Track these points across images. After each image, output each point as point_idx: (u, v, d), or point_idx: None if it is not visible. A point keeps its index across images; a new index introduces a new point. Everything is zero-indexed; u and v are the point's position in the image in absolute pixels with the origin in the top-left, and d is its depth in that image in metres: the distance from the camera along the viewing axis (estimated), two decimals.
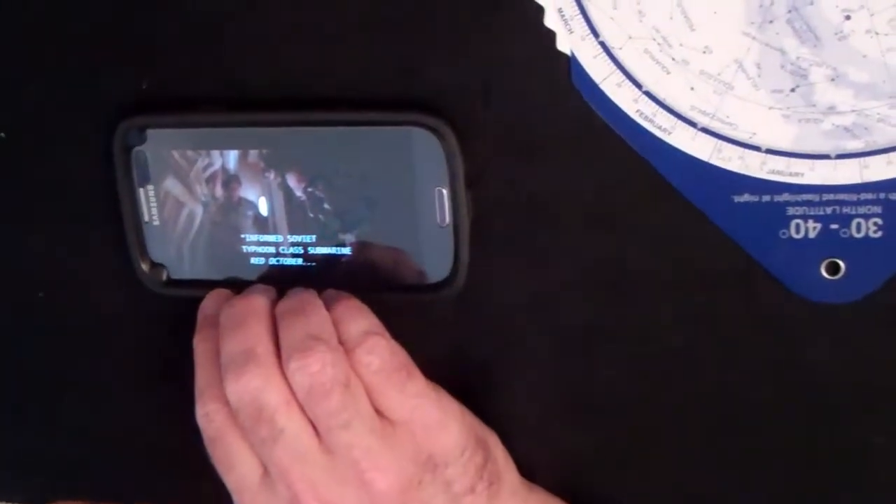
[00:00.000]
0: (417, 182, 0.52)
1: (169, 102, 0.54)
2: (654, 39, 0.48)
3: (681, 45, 0.48)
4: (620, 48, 0.49)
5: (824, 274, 0.50)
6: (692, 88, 0.49)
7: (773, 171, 0.49)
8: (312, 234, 0.54)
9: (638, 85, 0.49)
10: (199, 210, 0.55)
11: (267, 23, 0.52)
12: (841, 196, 0.49)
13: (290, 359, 0.50)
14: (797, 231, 0.50)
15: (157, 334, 0.58)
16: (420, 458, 0.51)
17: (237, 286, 0.55)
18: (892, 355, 0.51)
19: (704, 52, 0.48)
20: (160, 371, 0.59)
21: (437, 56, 0.51)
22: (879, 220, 0.49)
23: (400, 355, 0.52)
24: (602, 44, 0.49)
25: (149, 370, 0.59)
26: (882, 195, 0.49)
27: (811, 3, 0.46)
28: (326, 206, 0.54)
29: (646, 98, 0.49)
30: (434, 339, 0.54)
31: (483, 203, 0.52)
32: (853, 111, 0.48)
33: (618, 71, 0.49)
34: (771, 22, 0.47)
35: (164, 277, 0.57)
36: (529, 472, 0.56)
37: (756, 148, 0.49)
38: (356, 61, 0.52)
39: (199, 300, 0.55)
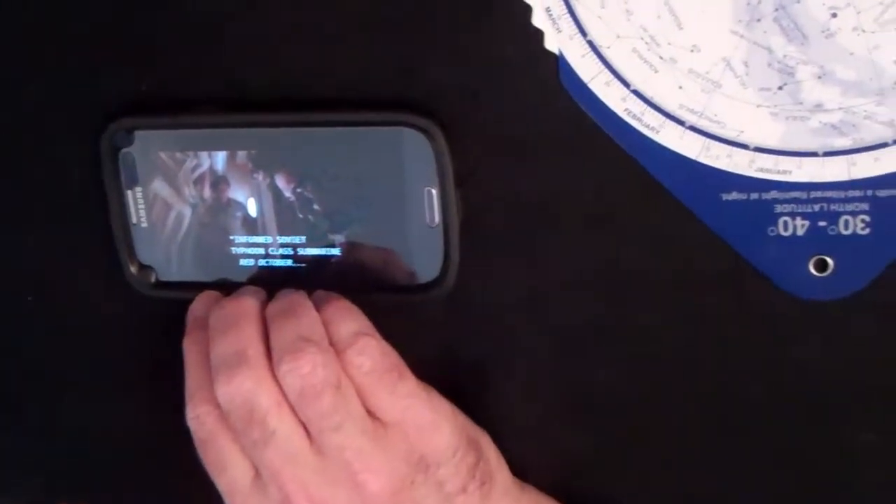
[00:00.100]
0: (407, 182, 0.52)
1: (157, 104, 0.54)
2: (642, 38, 0.48)
3: (668, 43, 0.48)
4: (608, 47, 0.49)
5: (813, 271, 0.50)
6: (680, 87, 0.49)
7: (761, 169, 0.49)
8: (302, 235, 0.54)
9: (626, 84, 0.49)
10: (187, 212, 0.55)
11: (258, 25, 0.52)
12: (829, 193, 0.49)
13: (280, 361, 0.50)
14: (785, 228, 0.50)
15: (147, 337, 0.58)
16: (412, 459, 0.51)
17: (227, 288, 0.55)
18: (881, 352, 0.51)
19: (692, 51, 0.48)
20: (150, 374, 0.58)
21: (426, 57, 0.51)
22: (867, 217, 0.49)
23: (391, 356, 0.52)
24: (590, 43, 0.49)
25: (138, 373, 0.59)
26: (870, 192, 0.49)
27: (798, 2, 0.46)
28: (316, 206, 0.53)
29: (634, 97, 0.50)
30: (425, 340, 0.54)
31: (473, 203, 0.52)
32: (840, 109, 0.48)
33: (606, 70, 0.49)
34: (758, 20, 0.47)
35: (153, 280, 0.57)
36: (521, 471, 0.56)
37: (744, 146, 0.49)
38: (346, 62, 0.52)
39: (188, 302, 0.55)
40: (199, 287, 0.55)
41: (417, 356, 0.53)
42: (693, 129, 0.49)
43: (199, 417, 0.52)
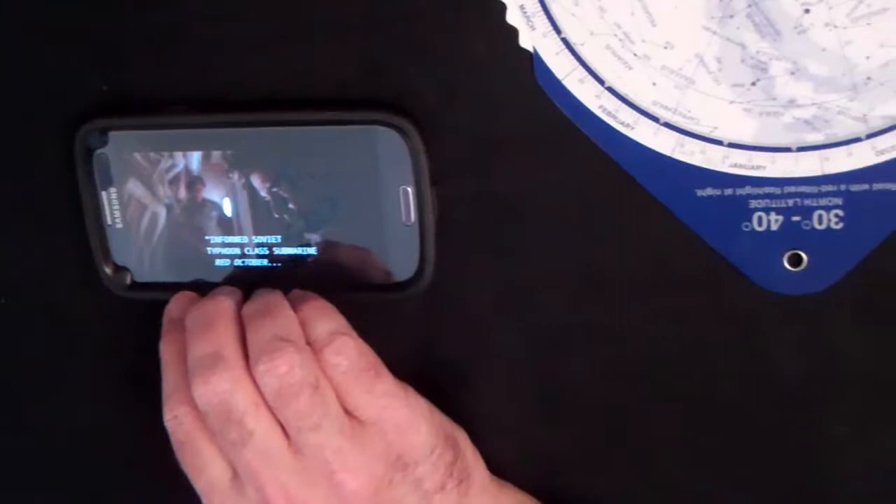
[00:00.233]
0: (382, 181, 0.52)
1: (130, 104, 0.54)
2: (616, 35, 0.49)
3: (642, 40, 0.48)
4: (582, 44, 0.49)
5: (787, 266, 0.51)
6: (654, 84, 0.49)
7: (735, 165, 0.50)
8: (277, 234, 0.54)
9: (600, 81, 0.50)
10: (162, 212, 0.55)
11: (230, 24, 0.52)
12: (802, 188, 0.50)
13: (258, 361, 0.50)
14: (760, 224, 0.50)
15: (122, 338, 0.58)
16: (390, 458, 0.51)
17: (203, 288, 0.55)
18: (854, 345, 0.51)
19: (666, 48, 0.48)
20: (126, 375, 0.58)
21: (401, 55, 0.51)
22: (840, 212, 0.49)
23: (368, 355, 0.52)
24: (564, 40, 0.49)
25: (114, 375, 0.59)
26: (843, 187, 0.49)
27: None
28: (291, 206, 0.53)
29: (608, 94, 0.50)
30: (402, 338, 0.55)
31: (448, 201, 0.53)
32: (813, 104, 0.48)
33: (580, 67, 0.50)
34: (731, 16, 0.47)
35: (128, 281, 0.56)
36: (499, 469, 0.56)
37: (718, 142, 0.49)
38: (319, 61, 0.52)
39: (164, 303, 0.55)
40: (174, 288, 0.55)
41: (394, 355, 0.53)
42: (667, 125, 0.50)
43: (176, 418, 0.51)
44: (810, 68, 0.47)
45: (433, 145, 0.52)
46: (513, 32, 0.50)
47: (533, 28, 0.49)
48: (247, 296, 0.53)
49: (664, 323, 0.53)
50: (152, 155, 0.54)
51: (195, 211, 0.55)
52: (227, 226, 0.54)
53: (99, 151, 0.54)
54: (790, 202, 0.50)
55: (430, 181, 0.52)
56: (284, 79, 0.52)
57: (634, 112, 0.50)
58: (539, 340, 0.54)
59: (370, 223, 0.53)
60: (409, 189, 0.52)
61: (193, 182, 0.54)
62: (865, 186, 0.49)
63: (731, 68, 0.48)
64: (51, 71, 0.54)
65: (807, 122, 0.48)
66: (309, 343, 0.51)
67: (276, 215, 0.54)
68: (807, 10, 0.47)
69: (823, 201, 0.49)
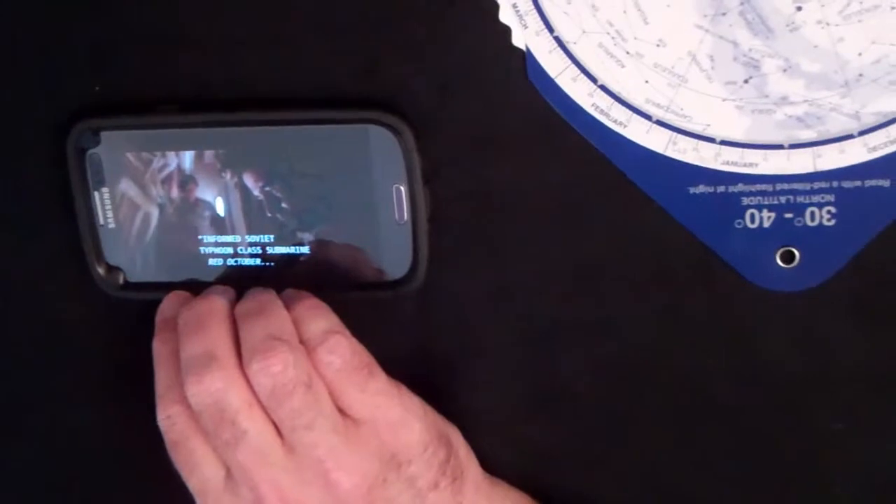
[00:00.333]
0: (375, 179, 0.52)
1: (123, 104, 0.54)
2: (609, 33, 0.49)
3: (635, 38, 0.49)
4: (575, 43, 0.49)
5: (780, 263, 0.51)
6: (646, 81, 0.49)
7: (727, 162, 0.50)
8: (270, 233, 0.54)
9: (593, 79, 0.50)
10: (155, 212, 0.55)
11: (222, 24, 0.52)
12: (794, 185, 0.50)
13: (251, 360, 0.49)
14: (752, 221, 0.50)
15: (115, 338, 0.58)
16: (384, 456, 0.51)
17: (195, 288, 0.54)
18: (848, 341, 0.52)
19: (658, 46, 0.48)
20: (119, 375, 0.58)
21: (393, 54, 0.51)
22: (833, 209, 0.50)
23: (361, 354, 0.52)
24: (557, 38, 0.49)
25: (107, 375, 0.59)
26: (835, 183, 0.49)
27: None
28: (284, 205, 0.53)
29: (601, 92, 0.50)
30: (395, 336, 0.55)
31: (441, 199, 0.53)
32: (805, 101, 0.48)
33: (573, 65, 0.50)
34: (723, 14, 0.47)
35: (121, 281, 0.56)
36: (492, 466, 0.56)
37: (710, 139, 0.50)
38: (313, 60, 0.52)
39: (157, 303, 0.55)
40: (167, 287, 0.55)
41: (387, 353, 0.52)
42: (660, 123, 0.50)
43: (169, 418, 0.51)
44: (802, 65, 0.48)
45: (426, 144, 0.52)
46: (505, 31, 0.50)
47: (525, 26, 0.49)
48: (240, 295, 0.53)
49: (657, 320, 0.53)
50: (145, 155, 0.54)
51: (188, 210, 0.54)
52: (219, 225, 0.54)
53: (91, 151, 0.54)
54: (782, 199, 0.50)
55: (422, 180, 0.52)
56: (277, 78, 0.52)
57: (627, 110, 0.50)
58: (532, 338, 0.54)
59: (363, 222, 0.53)
60: (402, 188, 0.52)
61: (186, 181, 0.54)
62: (857, 183, 0.49)
63: (723, 66, 0.48)
64: (42, 71, 0.54)
65: (799, 119, 0.48)
66: (302, 342, 0.51)
67: (269, 214, 0.54)
68: (799, 8, 0.47)
69: (816, 198, 0.50)
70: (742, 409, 0.54)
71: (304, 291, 0.53)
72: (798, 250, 0.50)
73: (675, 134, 0.50)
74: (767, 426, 0.54)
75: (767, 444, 0.54)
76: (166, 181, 0.54)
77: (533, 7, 0.49)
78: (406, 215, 0.52)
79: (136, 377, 0.54)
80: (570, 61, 0.50)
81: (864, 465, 0.53)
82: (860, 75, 0.47)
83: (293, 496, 0.50)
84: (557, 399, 0.55)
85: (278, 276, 0.54)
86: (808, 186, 0.49)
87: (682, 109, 0.49)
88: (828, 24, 0.47)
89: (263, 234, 0.54)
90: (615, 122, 0.50)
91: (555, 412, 0.55)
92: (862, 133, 0.48)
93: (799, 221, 0.50)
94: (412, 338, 0.55)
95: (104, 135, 0.54)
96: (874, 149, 0.48)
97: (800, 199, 0.50)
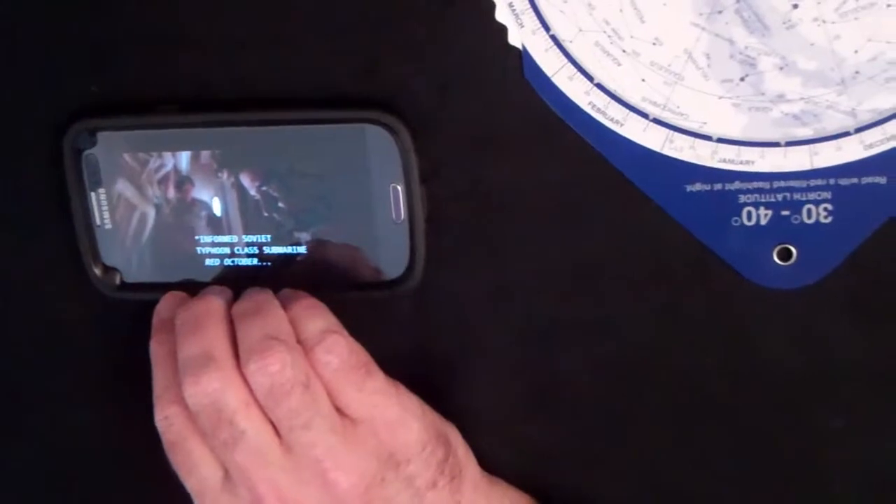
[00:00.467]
0: (372, 179, 0.52)
1: (119, 105, 0.54)
2: (605, 32, 0.49)
3: (631, 36, 0.49)
4: (571, 41, 0.49)
5: (777, 260, 0.51)
6: (643, 80, 0.49)
7: (724, 160, 0.50)
8: (267, 233, 0.54)
9: (589, 77, 0.50)
10: (151, 212, 0.55)
11: (219, 24, 0.52)
12: (791, 183, 0.50)
13: (248, 360, 0.49)
14: (749, 218, 0.50)
15: (113, 339, 0.58)
16: (382, 456, 0.51)
17: (192, 288, 0.54)
18: (845, 339, 0.52)
19: (654, 44, 0.48)
20: (117, 376, 0.58)
21: (390, 54, 0.51)
22: (829, 206, 0.50)
23: (359, 353, 0.52)
24: (553, 37, 0.49)
25: (106, 375, 0.58)
26: (832, 181, 0.49)
27: None
28: (281, 204, 0.53)
29: (597, 90, 0.50)
30: (393, 336, 0.55)
31: (438, 198, 0.53)
32: (802, 99, 0.48)
33: (569, 64, 0.50)
34: (720, 12, 0.47)
35: (118, 281, 0.56)
36: (490, 465, 0.56)
37: (707, 137, 0.50)
38: (311, 60, 0.52)
39: (154, 303, 0.55)
40: (164, 288, 0.55)
41: (385, 352, 0.52)
42: (656, 121, 0.50)
43: (167, 419, 0.51)
44: (799, 63, 0.48)
45: (423, 143, 0.52)
46: (502, 30, 0.50)
47: (522, 25, 0.49)
48: (237, 295, 0.53)
49: (655, 318, 0.53)
50: (141, 155, 0.54)
51: (185, 211, 0.54)
52: (216, 225, 0.54)
53: (88, 152, 0.54)
54: (779, 197, 0.50)
55: (419, 179, 0.52)
56: (276, 78, 0.52)
57: (624, 108, 0.50)
58: (530, 337, 0.54)
59: (360, 221, 0.53)
60: (399, 187, 0.52)
61: (183, 182, 0.54)
62: (854, 180, 0.49)
63: (719, 64, 0.48)
64: (39, 72, 0.54)
65: (795, 116, 0.48)
66: (299, 342, 0.51)
67: (266, 214, 0.54)
68: (795, 6, 0.47)
69: (812, 195, 0.50)
70: (740, 407, 0.54)
71: (302, 291, 0.53)
72: (795, 248, 0.50)
73: (671, 132, 0.50)
74: (766, 424, 0.54)
75: (766, 442, 0.54)
76: (163, 181, 0.54)
77: (529, 6, 0.49)
78: (403, 215, 0.52)
79: (133, 377, 0.54)
80: (566, 60, 0.50)
81: (863, 462, 0.53)
82: (856, 73, 0.47)
83: (291, 496, 0.50)
84: (556, 398, 0.55)
85: (275, 276, 0.54)
86: (804, 184, 0.50)
87: (678, 107, 0.49)
88: (824, 21, 0.47)
89: (260, 233, 0.54)
90: (612, 120, 0.50)
91: (553, 411, 0.55)
92: (858, 130, 0.48)
93: (796, 219, 0.50)
94: (410, 337, 0.55)
95: (100, 135, 0.54)
96: (870, 146, 0.48)
97: (797, 196, 0.50)
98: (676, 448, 0.55)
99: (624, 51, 0.49)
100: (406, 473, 0.51)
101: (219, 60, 0.53)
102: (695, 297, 0.52)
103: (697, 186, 0.50)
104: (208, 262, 0.55)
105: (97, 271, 0.56)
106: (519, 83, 0.50)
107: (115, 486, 0.61)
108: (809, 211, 0.50)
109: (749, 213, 0.50)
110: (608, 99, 0.50)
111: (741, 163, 0.50)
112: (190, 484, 0.52)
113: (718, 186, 0.50)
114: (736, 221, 0.51)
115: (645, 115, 0.50)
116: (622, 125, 0.50)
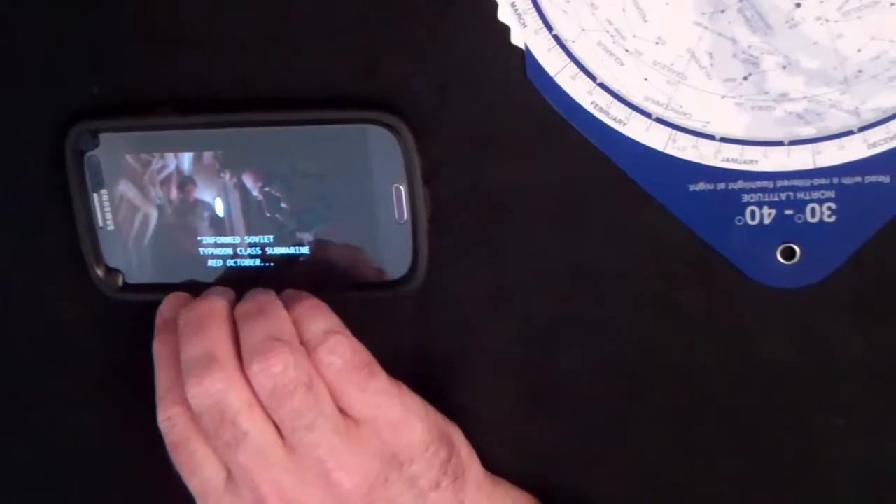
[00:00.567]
0: (375, 179, 0.52)
1: (121, 106, 0.54)
2: (607, 31, 0.49)
3: (634, 36, 0.49)
4: (574, 41, 0.49)
5: (780, 259, 0.51)
6: (646, 79, 0.49)
7: (727, 159, 0.50)
8: (270, 234, 0.54)
9: (592, 77, 0.50)
10: (154, 213, 0.55)
11: (220, 24, 0.52)
12: (795, 182, 0.50)
13: (251, 361, 0.49)
14: (752, 217, 0.50)
15: (115, 340, 0.58)
16: (385, 456, 0.51)
17: (195, 289, 0.54)
18: (848, 338, 0.52)
19: (657, 43, 0.48)
20: (119, 376, 0.58)
21: (392, 53, 0.51)
22: (833, 205, 0.50)
23: (361, 353, 0.52)
24: (555, 37, 0.49)
25: (107, 376, 0.58)
26: (835, 180, 0.49)
27: None
28: (283, 205, 0.53)
29: (600, 90, 0.50)
30: (395, 336, 0.55)
31: (441, 198, 0.53)
32: (805, 98, 0.48)
33: (572, 64, 0.50)
34: (722, 11, 0.47)
35: (120, 282, 0.56)
36: (493, 465, 0.56)
37: (710, 136, 0.50)
38: (312, 60, 0.52)
39: (156, 304, 0.55)
40: (167, 289, 0.55)
41: (388, 353, 0.52)
42: (659, 120, 0.50)
43: (170, 419, 0.51)
44: (802, 62, 0.48)
45: (425, 143, 0.52)
46: (504, 30, 0.50)
47: (524, 25, 0.49)
48: (239, 296, 0.53)
49: (657, 318, 0.53)
50: (143, 156, 0.54)
51: (187, 211, 0.54)
52: (219, 226, 0.54)
53: (90, 153, 0.54)
54: (783, 196, 0.50)
55: (422, 179, 0.52)
56: (276, 78, 0.52)
57: (626, 108, 0.50)
58: (532, 337, 0.54)
59: (363, 222, 0.53)
60: (402, 187, 0.52)
61: (185, 182, 0.54)
62: (858, 179, 0.49)
63: (722, 63, 0.48)
64: (41, 73, 0.54)
65: (799, 115, 0.48)
66: (302, 342, 0.51)
67: (269, 215, 0.54)
68: (798, 5, 0.47)
69: (816, 194, 0.50)
70: (741, 406, 0.54)
71: (304, 292, 0.53)
72: (798, 247, 0.50)
73: (674, 131, 0.50)
74: (766, 424, 0.54)
75: (766, 441, 0.54)
76: (165, 182, 0.54)
77: (531, 6, 0.49)
78: (406, 215, 0.52)
79: (135, 378, 0.54)
80: (569, 59, 0.50)
81: (864, 462, 0.53)
82: (859, 71, 0.47)
83: (294, 496, 0.50)
84: (557, 398, 0.55)
85: (278, 277, 0.54)
86: (808, 183, 0.50)
87: (681, 107, 0.49)
88: (827, 20, 0.47)
89: (263, 234, 0.54)
90: (614, 120, 0.50)
91: (554, 411, 0.55)
92: (861, 129, 0.48)
93: (799, 218, 0.50)
94: (412, 337, 0.55)
95: (103, 136, 0.54)
96: (874, 145, 0.48)
97: (800, 195, 0.50)
98: (677, 447, 0.55)
99: (627, 50, 0.49)
100: (409, 474, 0.51)
101: (219, 60, 0.53)
102: (697, 297, 0.52)
103: (701, 186, 0.50)
104: (211, 262, 0.55)
105: (99, 273, 0.56)
106: (521, 83, 0.50)
107: (115, 486, 0.61)
108: (813, 210, 0.50)
109: (752, 213, 0.50)
110: (611, 98, 0.50)
111: (744, 162, 0.50)
112: (193, 484, 0.52)
113: (722, 186, 0.50)
114: (739, 221, 0.51)
115: (648, 115, 0.50)
116: (625, 125, 0.50)
